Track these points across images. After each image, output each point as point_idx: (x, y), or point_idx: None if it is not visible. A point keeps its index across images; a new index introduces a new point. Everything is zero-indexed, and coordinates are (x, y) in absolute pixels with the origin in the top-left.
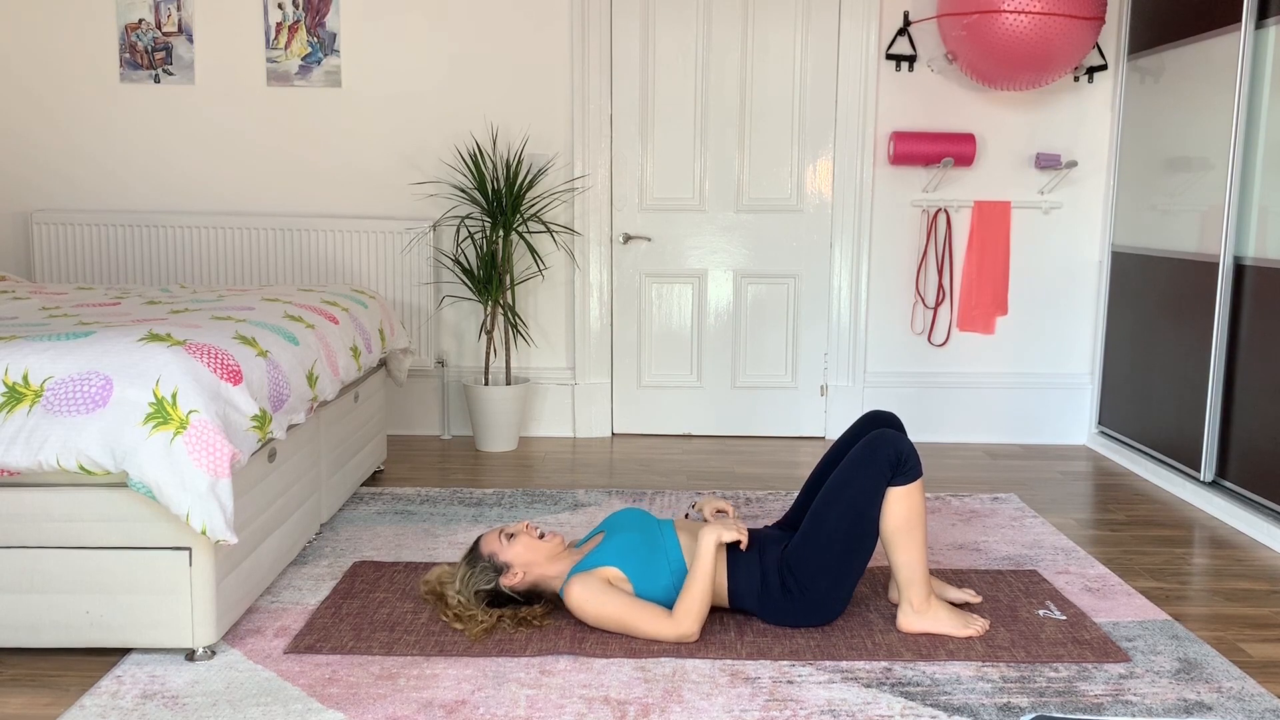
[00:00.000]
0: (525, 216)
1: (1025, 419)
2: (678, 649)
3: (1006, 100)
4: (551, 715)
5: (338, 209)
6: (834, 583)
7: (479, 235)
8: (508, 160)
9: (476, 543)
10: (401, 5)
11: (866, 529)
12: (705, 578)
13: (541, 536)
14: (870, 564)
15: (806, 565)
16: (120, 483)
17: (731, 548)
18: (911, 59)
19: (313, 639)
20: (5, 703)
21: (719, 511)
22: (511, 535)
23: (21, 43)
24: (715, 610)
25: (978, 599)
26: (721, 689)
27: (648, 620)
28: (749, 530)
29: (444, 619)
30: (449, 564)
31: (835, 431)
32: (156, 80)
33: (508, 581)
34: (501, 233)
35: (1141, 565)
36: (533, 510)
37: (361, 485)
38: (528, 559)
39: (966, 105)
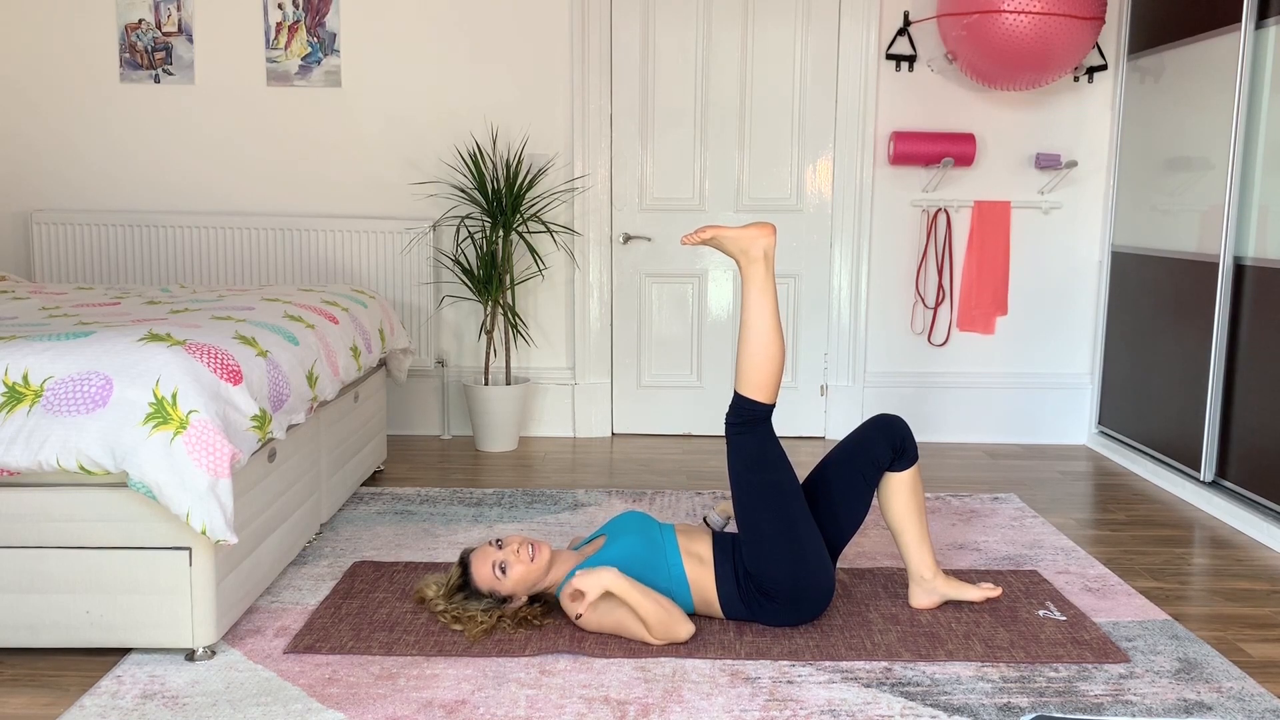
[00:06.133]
0: (525, 216)
1: (1025, 419)
2: (677, 649)
3: (1006, 100)
4: (551, 715)
5: (338, 209)
6: (796, 566)
7: (479, 235)
8: (508, 160)
9: (467, 573)
10: (401, 5)
11: (787, 504)
12: (635, 603)
13: (532, 559)
14: (869, 565)
15: (762, 568)
16: (120, 483)
17: (718, 559)
18: (911, 59)
19: (312, 639)
20: (5, 703)
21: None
22: (505, 568)
23: (22, 43)
24: (713, 617)
25: (997, 592)
26: (721, 689)
27: (640, 628)
28: (730, 535)
29: (442, 621)
30: (435, 583)
31: (835, 431)
32: (156, 80)
33: (513, 606)
34: (501, 233)
35: (1141, 565)
36: (533, 510)
37: (361, 485)
38: (530, 581)
39: (966, 105)
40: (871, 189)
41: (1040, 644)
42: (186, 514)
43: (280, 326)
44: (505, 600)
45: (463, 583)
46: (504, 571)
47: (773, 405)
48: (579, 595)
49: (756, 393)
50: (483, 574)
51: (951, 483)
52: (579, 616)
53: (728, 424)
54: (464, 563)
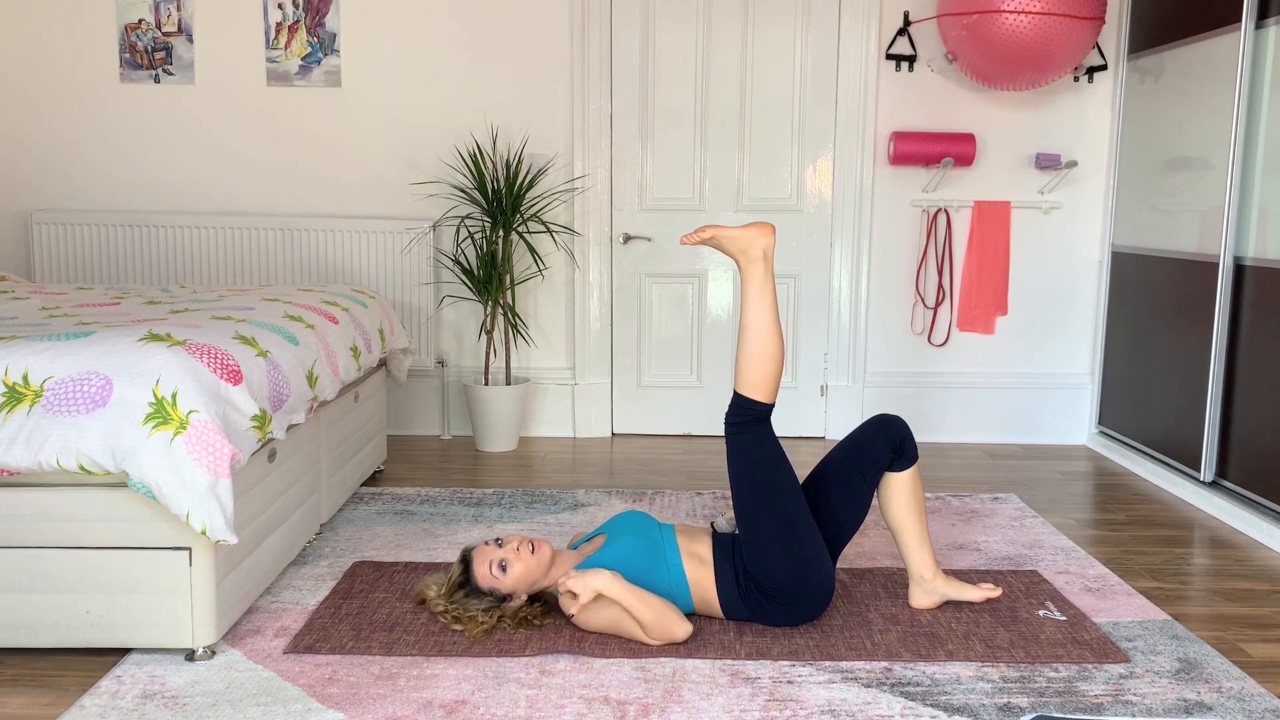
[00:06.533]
0: (525, 216)
1: (1025, 419)
2: (677, 649)
3: (1006, 100)
4: (551, 715)
5: (338, 209)
6: (796, 566)
7: (479, 235)
8: (508, 160)
9: (469, 571)
10: (401, 5)
11: (786, 504)
12: (629, 606)
13: (533, 551)
14: (869, 565)
15: (762, 568)
16: (120, 483)
17: (717, 559)
18: (911, 59)
19: (312, 639)
20: (5, 703)
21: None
22: (505, 566)
23: (22, 43)
24: (713, 616)
25: (997, 592)
26: (721, 689)
27: (635, 627)
28: (730, 536)
29: (443, 621)
30: (435, 583)
31: (835, 431)
32: (156, 80)
33: (513, 605)
34: (501, 233)
35: (1141, 565)
36: (533, 510)
37: (361, 485)
38: (531, 579)
39: (966, 105)
40: (871, 189)
41: (1040, 644)
42: (186, 514)
43: (280, 326)
44: (506, 599)
45: (463, 580)
46: (504, 569)
47: (772, 405)
48: (571, 595)
49: (756, 392)
50: (483, 571)
51: (951, 483)
52: (572, 616)
53: (727, 424)
54: (465, 560)
